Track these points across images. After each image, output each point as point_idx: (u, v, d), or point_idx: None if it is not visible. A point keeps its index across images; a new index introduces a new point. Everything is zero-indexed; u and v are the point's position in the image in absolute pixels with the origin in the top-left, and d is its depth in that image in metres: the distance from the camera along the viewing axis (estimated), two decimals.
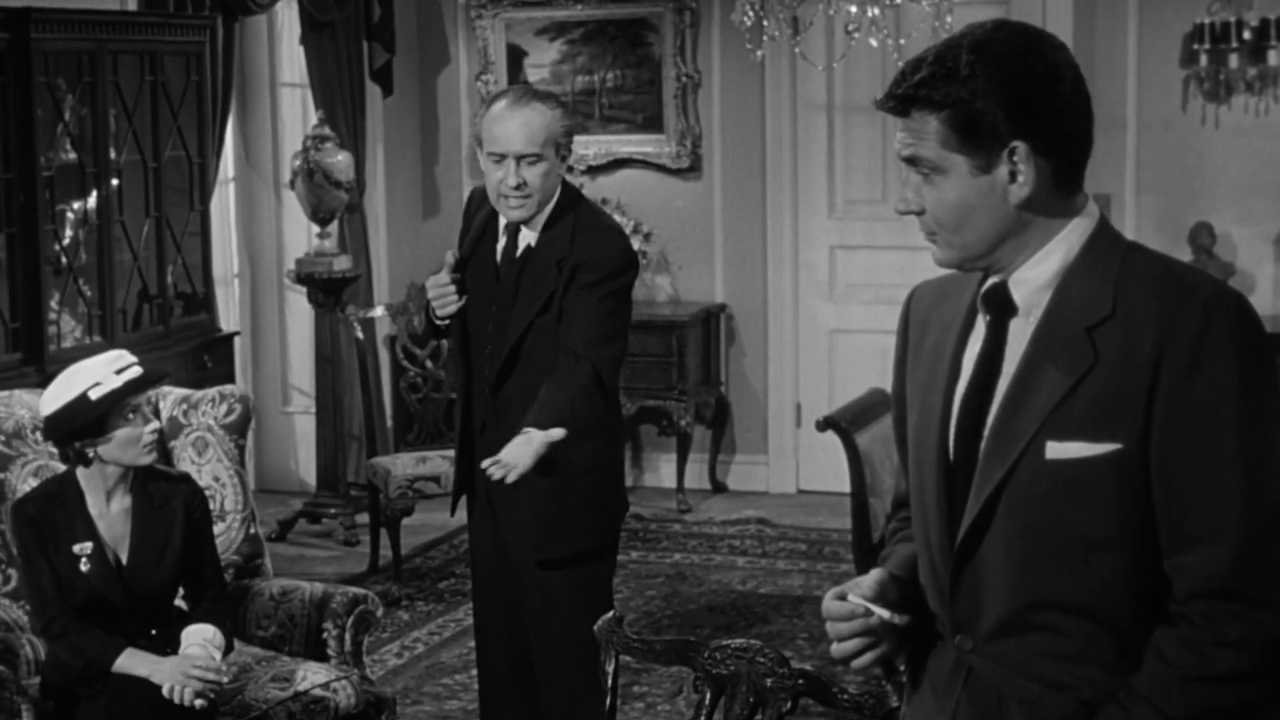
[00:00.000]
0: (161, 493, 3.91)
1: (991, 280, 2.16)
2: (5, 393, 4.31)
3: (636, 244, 7.76)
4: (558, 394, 3.99)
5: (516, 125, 3.99)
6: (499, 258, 4.15)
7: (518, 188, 4.00)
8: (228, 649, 3.98)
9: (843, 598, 2.20)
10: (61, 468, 4.05)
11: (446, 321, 4.20)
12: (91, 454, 3.81)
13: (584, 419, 4.01)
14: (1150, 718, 2.01)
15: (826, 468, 7.57)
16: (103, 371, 3.79)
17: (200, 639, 3.83)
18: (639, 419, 7.91)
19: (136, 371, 3.82)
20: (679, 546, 7.13)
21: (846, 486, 5.40)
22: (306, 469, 7.85)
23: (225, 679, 3.80)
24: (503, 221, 4.14)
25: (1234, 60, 7.12)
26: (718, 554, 7.01)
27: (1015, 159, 2.07)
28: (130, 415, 3.79)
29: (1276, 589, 1.99)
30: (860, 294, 7.84)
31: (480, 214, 4.22)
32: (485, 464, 3.91)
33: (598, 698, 3.90)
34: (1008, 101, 2.05)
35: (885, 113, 2.16)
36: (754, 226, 7.91)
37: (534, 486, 4.00)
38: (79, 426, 3.77)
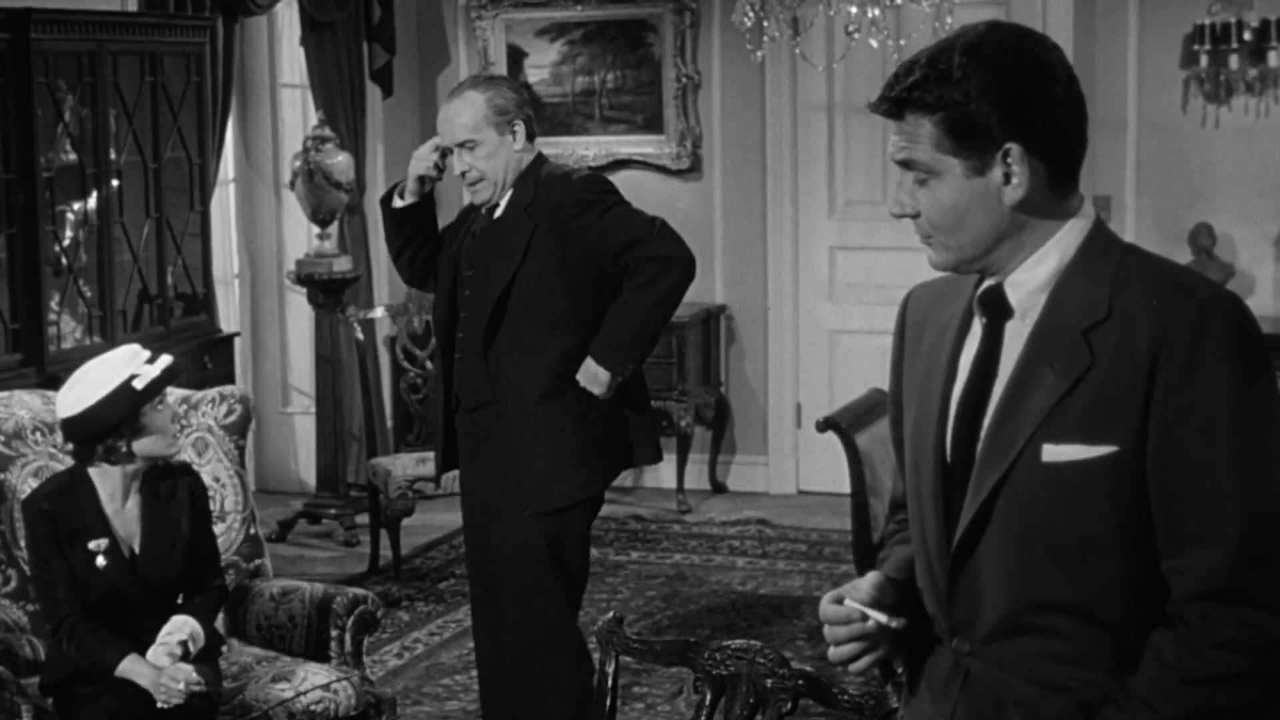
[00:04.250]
0: (168, 487, 3.91)
1: (987, 283, 2.15)
2: (5, 393, 4.31)
3: None
4: (620, 315, 4.22)
5: (447, 118, 4.23)
6: (476, 234, 4.32)
7: (463, 174, 4.24)
8: (219, 639, 3.99)
9: (839, 601, 2.19)
10: (60, 467, 4.05)
11: (412, 200, 4.34)
12: (125, 448, 3.78)
13: (658, 321, 4.29)
14: (1148, 719, 2.00)
15: (826, 468, 7.57)
16: (133, 364, 3.76)
17: (165, 633, 3.76)
18: None
19: (168, 359, 3.82)
20: (679, 547, 7.13)
21: (846, 487, 5.40)
22: (306, 469, 7.85)
23: (196, 679, 3.70)
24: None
25: (1234, 61, 7.11)
26: (718, 555, 7.01)
27: (1009, 161, 2.06)
28: (160, 406, 3.79)
29: (1273, 590, 1.99)
30: (860, 294, 7.84)
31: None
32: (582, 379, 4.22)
33: (563, 636, 4.30)
34: (1001, 103, 2.05)
35: (879, 115, 2.16)
36: (754, 227, 7.92)
37: (535, 436, 4.23)
38: (117, 422, 3.74)
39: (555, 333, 4.24)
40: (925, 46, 2.15)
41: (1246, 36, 7.06)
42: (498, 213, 4.27)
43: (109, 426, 3.75)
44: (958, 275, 2.21)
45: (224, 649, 4.05)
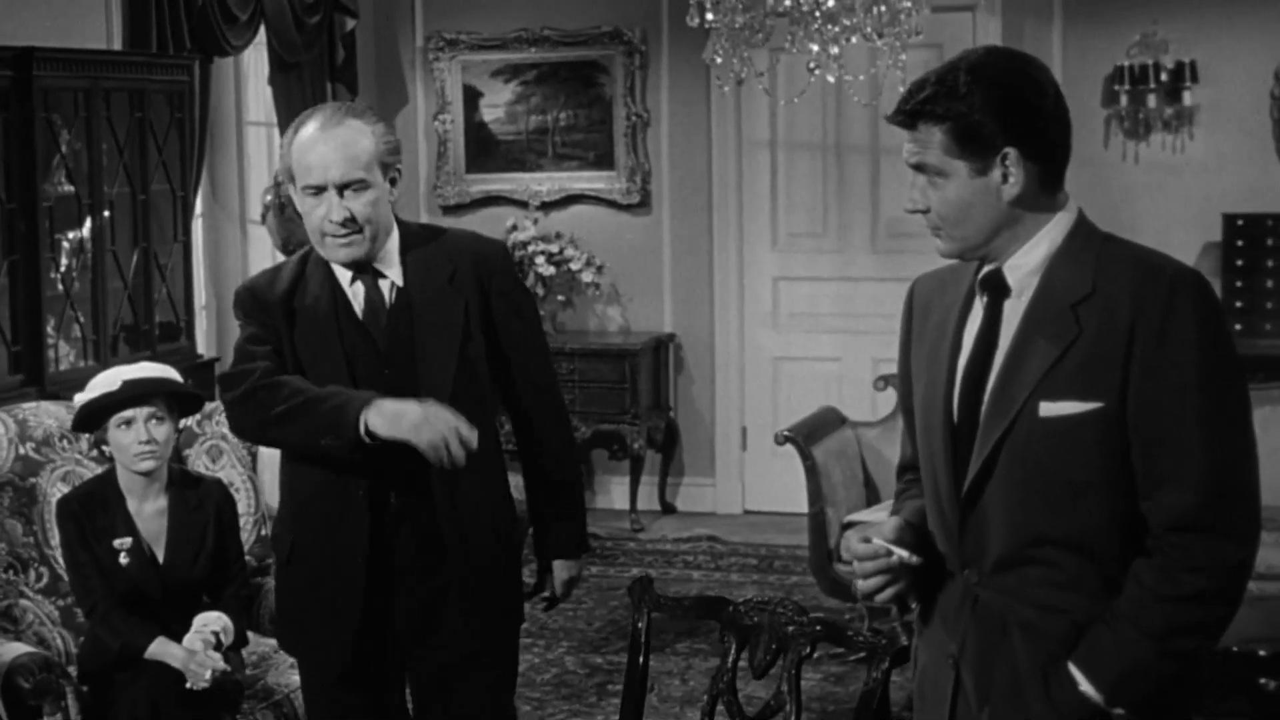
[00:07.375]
0: (196, 497, 4.22)
1: (987, 267, 2.52)
2: (33, 404, 4.59)
3: (589, 276, 8.14)
4: (567, 493, 3.70)
5: (332, 149, 3.30)
6: (361, 315, 3.42)
7: (344, 223, 3.31)
8: (242, 640, 4.26)
9: (866, 541, 2.56)
10: (85, 472, 4.36)
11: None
12: (107, 451, 4.17)
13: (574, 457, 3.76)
14: (1131, 634, 2.37)
15: (771, 489, 7.94)
16: (93, 386, 4.14)
17: (200, 623, 4.07)
18: (593, 443, 8.20)
19: (109, 388, 4.12)
20: (635, 562, 7.42)
21: (791, 506, 5.67)
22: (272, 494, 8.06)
23: (223, 667, 3.99)
24: (345, 279, 3.43)
25: (1152, 100, 7.56)
26: (673, 568, 7.31)
27: (1007, 163, 2.43)
28: (122, 426, 4.10)
29: (1235, 522, 2.37)
30: (802, 323, 8.19)
31: (310, 293, 3.43)
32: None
33: None
34: (1001, 114, 2.42)
35: (895, 125, 2.53)
36: (701, 259, 8.25)
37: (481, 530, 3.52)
38: (81, 426, 4.18)
39: (482, 412, 3.46)
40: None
41: (1163, 77, 7.50)
42: (388, 287, 3.43)
43: (78, 427, 4.19)
44: (956, 265, 2.58)
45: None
